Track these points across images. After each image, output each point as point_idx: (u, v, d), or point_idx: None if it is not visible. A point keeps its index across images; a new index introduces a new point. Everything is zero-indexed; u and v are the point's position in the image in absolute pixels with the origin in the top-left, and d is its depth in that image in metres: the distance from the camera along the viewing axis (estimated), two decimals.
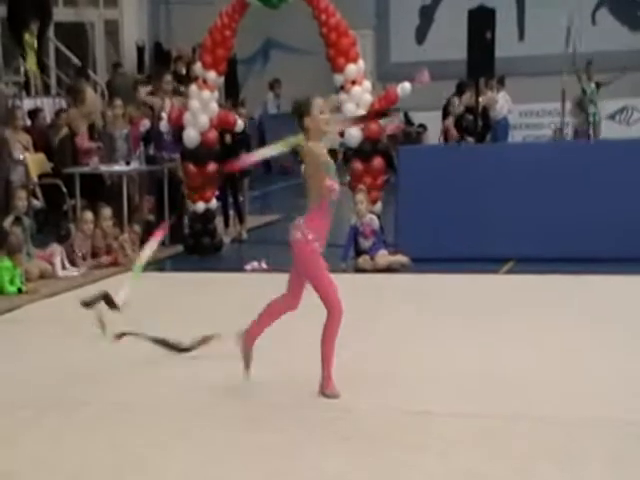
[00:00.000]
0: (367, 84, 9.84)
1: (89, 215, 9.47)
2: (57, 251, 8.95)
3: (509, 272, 8.58)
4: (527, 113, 17.59)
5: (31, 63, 14.08)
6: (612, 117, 17.50)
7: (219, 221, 10.73)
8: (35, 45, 14.24)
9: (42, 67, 14.39)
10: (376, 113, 8.62)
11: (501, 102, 15.59)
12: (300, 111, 5.04)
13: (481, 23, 13.12)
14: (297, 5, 9.98)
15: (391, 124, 12.33)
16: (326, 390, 5.06)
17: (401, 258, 8.89)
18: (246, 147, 11.11)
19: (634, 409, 4.83)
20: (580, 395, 5.07)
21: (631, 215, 8.83)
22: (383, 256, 8.90)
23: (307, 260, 5.06)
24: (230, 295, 8.00)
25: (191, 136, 10.07)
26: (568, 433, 4.52)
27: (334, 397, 5.04)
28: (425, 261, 8.70)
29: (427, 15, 19.33)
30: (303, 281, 5.16)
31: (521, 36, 18.85)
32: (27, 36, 14.18)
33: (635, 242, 8.71)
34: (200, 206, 10.24)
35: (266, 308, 5.29)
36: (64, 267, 8.92)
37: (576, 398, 5.02)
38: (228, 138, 10.56)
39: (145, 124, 11.13)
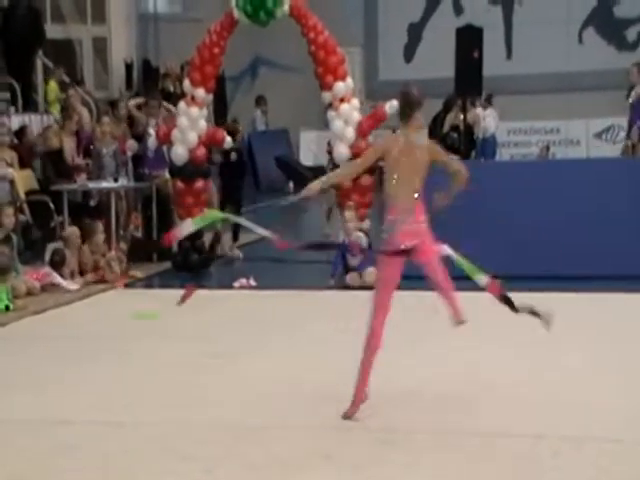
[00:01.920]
0: (355, 102, 9.87)
1: (76, 232, 9.45)
2: (51, 272, 8.96)
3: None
4: (515, 131, 17.69)
5: (55, 113, 13.93)
6: (599, 136, 17.61)
7: (207, 238, 10.70)
8: (59, 94, 14.06)
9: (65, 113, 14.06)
10: None
11: (488, 120, 15.67)
12: (415, 102, 5.03)
13: (469, 41, 13.23)
14: (286, 22, 10.02)
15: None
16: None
17: None
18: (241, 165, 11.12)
19: (616, 427, 4.82)
20: (572, 412, 5.05)
21: (619, 233, 8.86)
22: (371, 273, 8.88)
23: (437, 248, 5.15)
24: (219, 312, 7.97)
25: (179, 153, 10.07)
26: (555, 450, 4.50)
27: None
28: (413, 278, 8.69)
29: (415, 33, 19.44)
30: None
31: (509, 55, 18.98)
32: (52, 84, 14.07)
33: (623, 260, 8.74)
34: None
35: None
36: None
37: (565, 415, 5.01)
38: (234, 156, 10.61)
39: (132, 147, 11.12)
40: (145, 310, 5.71)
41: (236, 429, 4.95)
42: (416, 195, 4.93)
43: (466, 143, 14.54)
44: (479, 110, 15.33)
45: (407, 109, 5.02)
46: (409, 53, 19.51)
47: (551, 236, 8.94)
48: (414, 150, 4.95)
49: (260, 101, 18.70)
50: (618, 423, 4.88)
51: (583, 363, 6.04)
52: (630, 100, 14.90)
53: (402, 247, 4.89)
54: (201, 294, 8.92)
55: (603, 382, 5.61)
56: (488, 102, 15.74)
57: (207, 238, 10.64)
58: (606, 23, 18.79)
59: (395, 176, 4.92)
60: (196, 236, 10.29)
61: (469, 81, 12.68)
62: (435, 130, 15.55)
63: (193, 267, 10.15)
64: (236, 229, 11.01)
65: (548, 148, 16.12)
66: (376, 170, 10.20)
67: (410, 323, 7.35)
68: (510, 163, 14.19)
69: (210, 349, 6.53)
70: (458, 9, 19.14)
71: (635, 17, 18.73)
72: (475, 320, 7.21)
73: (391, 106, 9.62)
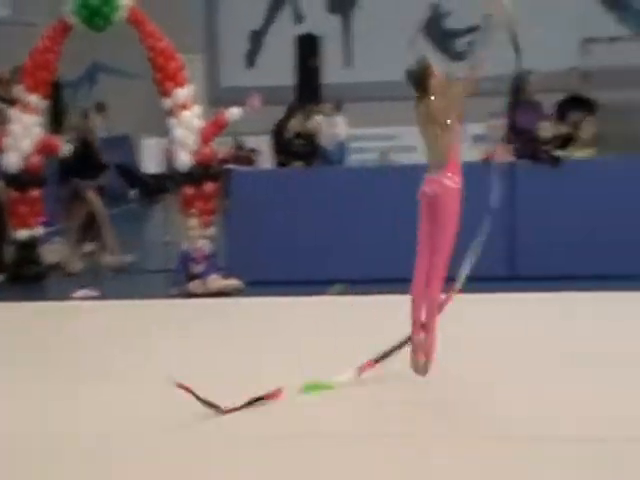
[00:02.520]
0: (197, 109, 9.81)
1: None
2: None
3: (341, 294, 8.68)
4: (354, 138, 18.05)
5: None
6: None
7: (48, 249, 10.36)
8: None
9: None
10: None
11: (339, 127, 15.86)
12: (421, 75, 5.18)
13: (308, 49, 13.43)
14: (125, 28, 9.84)
15: (224, 148, 12.29)
16: None
17: (233, 282, 8.88)
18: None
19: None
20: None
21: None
22: (215, 280, 8.86)
23: (456, 212, 5.29)
24: (61, 326, 7.73)
25: (12, 161, 9.71)
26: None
27: None
28: (259, 284, 8.72)
29: (257, 40, 19.52)
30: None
31: (348, 62, 19.37)
32: None
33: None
34: (23, 233, 9.87)
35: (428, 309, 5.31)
36: None
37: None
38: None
39: None
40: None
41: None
42: (444, 151, 5.29)
43: (309, 150, 14.71)
44: (320, 118, 15.53)
45: (418, 85, 5.29)
46: (251, 60, 19.57)
47: (395, 239, 9.13)
48: (431, 110, 5.29)
49: (100, 107, 18.30)
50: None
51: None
52: None
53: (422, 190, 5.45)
54: (40, 306, 8.66)
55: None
56: (337, 109, 15.96)
57: (47, 249, 10.32)
58: (438, 33, 19.57)
59: (424, 141, 5.43)
60: (31, 246, 9.95)
61: (309, 88, 12.86)
62: (278, 136, 15.65)
63: (28, 279, 9.81)
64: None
65: (386, 154, 16.53)
66: (220, 177, 10.19)
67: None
68: (354, 169, 14.46)
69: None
70: (298, 17, 19.37)
71: (464, 29, 19.60)
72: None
73: (232, 113, 9.64)
